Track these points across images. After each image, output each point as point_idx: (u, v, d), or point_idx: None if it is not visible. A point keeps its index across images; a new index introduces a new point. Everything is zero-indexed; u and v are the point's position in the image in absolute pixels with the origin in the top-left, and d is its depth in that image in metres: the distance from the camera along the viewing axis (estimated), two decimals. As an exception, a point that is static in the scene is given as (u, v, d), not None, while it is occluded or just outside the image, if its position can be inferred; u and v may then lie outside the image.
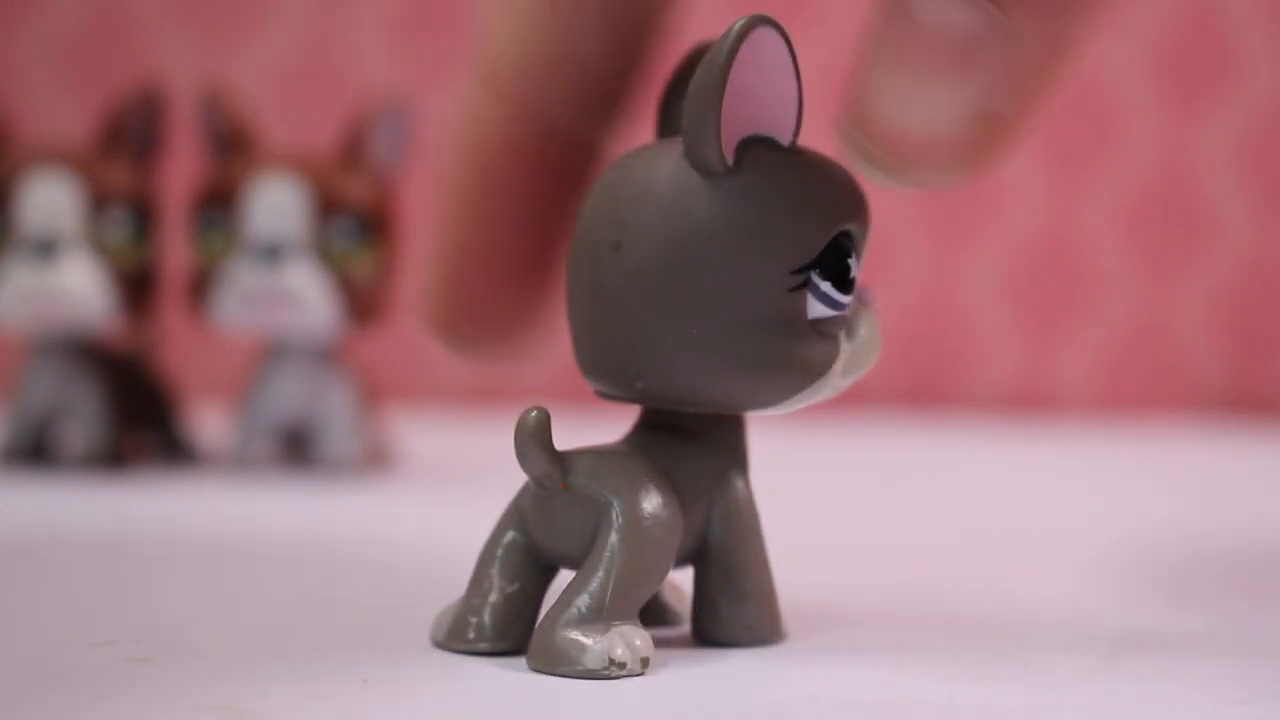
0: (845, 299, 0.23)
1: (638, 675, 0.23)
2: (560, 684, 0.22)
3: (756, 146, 0.23)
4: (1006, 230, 0.77)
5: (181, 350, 0.54)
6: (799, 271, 0.23)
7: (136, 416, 0.47)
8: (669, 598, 0.26)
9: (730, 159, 0.23)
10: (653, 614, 0.25)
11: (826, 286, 0.23)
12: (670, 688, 0.22)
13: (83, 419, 0.46)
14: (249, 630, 0.26)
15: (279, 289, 0.44)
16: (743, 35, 0.22)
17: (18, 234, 0.44)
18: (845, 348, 0.23)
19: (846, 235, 0.23)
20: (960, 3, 0.20)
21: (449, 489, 0.46)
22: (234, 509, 0.41)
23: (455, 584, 0.28)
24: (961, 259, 0.77)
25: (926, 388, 0.76)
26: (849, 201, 0.23)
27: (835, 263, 0.23)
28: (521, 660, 0.23)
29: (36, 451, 0.46)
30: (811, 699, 0.22)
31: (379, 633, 0.26)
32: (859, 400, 0.75)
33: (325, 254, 0.44)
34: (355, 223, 0.45)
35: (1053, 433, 0.69)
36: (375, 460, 0.48)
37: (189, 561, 0.32)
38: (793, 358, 0.23)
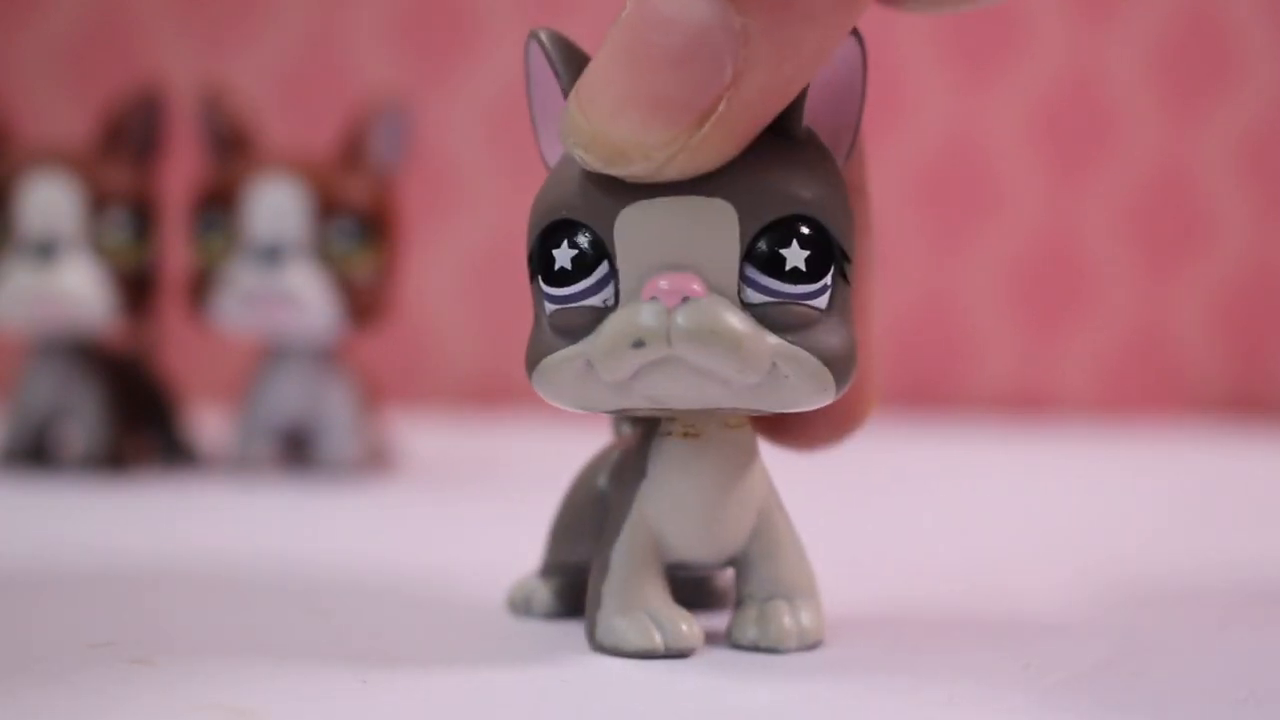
0: (559, 291, 0.23)
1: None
2: (558, 685, 0.22)
3: None
4: (1007, 231, 0.77)
5: (181, 351, 0.54)
6: (530, 265, 0.23)
7: (136, 418, 0.47)
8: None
9: (552, 160, 0.24)
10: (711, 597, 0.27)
11: (540, 280, 0.23)
12: (667, 687, 0.22)
13: (83, 420, 0.46)
14: (248, 631, 0.26)
15: (279, 290, 0.44)
16: (526, 47, 0.24)
17: (18, 235, 0.44)
18: (582, 344, 0.23)
19: (556, 227, 0.23)
20: None
21: (449, 489, 0.46)
22: (234, 510, 0.41)
23: (455, 583, 0.28)
24: (962, 259, 0.77)
25: (926, 388, 0.76)
26: (561, 193, 0.23)
27: (543, 257, 0.23)
28: (517, 658, 0.24)
29: (36, 452, 0.46)
30: (810, 699, 0.22)
31: (378, 633, 0.26)
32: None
33: (325, 255, 0.44)
34: (355, 223, 0.45)
35: (1053, 433, 0.69)
36: (375, 461, 0.48)
37: (188, 562, 0.32)
38: (528, 348, 0.24)
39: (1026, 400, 0.77)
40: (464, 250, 0.72)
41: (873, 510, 0.45)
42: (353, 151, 0.46)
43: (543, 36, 0.23)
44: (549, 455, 0.28)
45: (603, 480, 0.26)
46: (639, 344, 0.22)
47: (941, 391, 0.76)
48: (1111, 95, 0.78)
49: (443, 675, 0.23)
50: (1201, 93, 0.79)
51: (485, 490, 0.46)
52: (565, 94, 0.23)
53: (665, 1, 0.21)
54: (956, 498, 0.48)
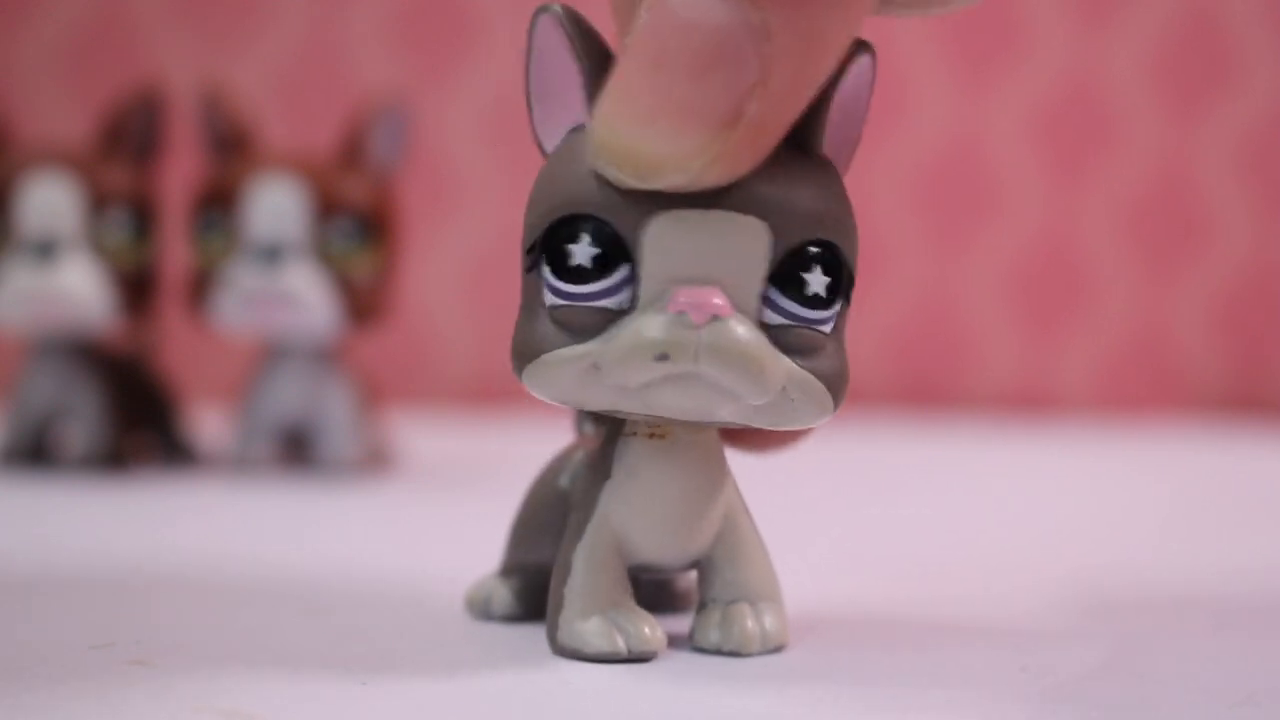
0: (570, 288, 0.22)
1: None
2: (556, 686, 0.22)
3: (575, 133, 0.23)
4: (1007, 231, 0.77)
5: (181, 351, 0.54)
6: (529, 253, 0.23)
7: (136, 417, 0.47)
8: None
9: (551, 145, 0.23)
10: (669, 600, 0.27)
11: (547, 272, 0.22)
12: (663, 693, 0.22)
13: (83, 419, 0.46)
14: (247, 632, 0.26)
15: (278, 290, 0.44)
16: (531, 24, 0.23)
17: (17, 235, 0.44)
18: (590, 345, 0.22)
19: (572, 220, 0.22)
20: None
21: (449, 489, 0.46)
22: (233, 510, 0.41)
23: (455, 584, 0.28)
24: (962, 260, 0.77)
25: (926, 388, 0.76)
26: (581, 188, 0.22)
27: (554, 249, 0.22)
28: (515, 659, 0.24)
29: (36, 452, 0.46)
30: (809, 705, 0.22)
31: (377, 635, 0.26)
32: (858, 400, 0.75)
33: (325, 255, 0.44)
34: (355, 223, 0.45)
35: (1053, 433, 0.69)
36: (375, 461, 0.48)
37: (188, 563, 0.32)
38: (518, 338, 0.23)
39: (1026, 400, 0.77)
40: (464, 250, 0.72)
41: (871, 510, 0.45)
42: (352, 152, 0.46)
43: (558, 9, 0.23)
44: (548, 456, 0.28)
45: (565, 480, 0.26)
46: (663, 357, 0.21)
47: (941, 391, 0.76)
48: (1111, 97, 0.78)
49: (441, 677, 0.23)
50: (1201, 94, 0.79)
51: (485, 490, 0.46)
52: (583, 74, 0.22)
53: (682, 6, 0.21)
54: (955, 498, 0.48)
